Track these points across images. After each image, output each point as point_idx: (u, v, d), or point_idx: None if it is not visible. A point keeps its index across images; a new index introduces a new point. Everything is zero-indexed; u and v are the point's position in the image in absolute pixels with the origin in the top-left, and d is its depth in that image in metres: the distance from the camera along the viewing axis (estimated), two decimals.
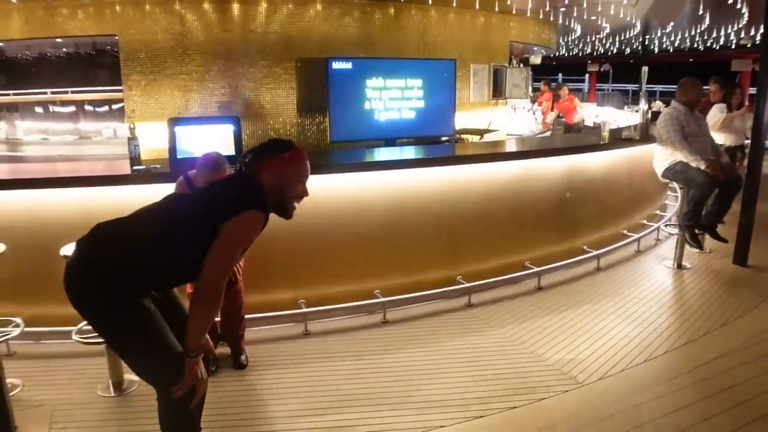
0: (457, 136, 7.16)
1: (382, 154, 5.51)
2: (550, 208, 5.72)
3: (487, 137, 7.27)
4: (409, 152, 5.61)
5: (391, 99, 6.68)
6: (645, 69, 6.80)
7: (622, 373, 3.71)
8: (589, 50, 14.23)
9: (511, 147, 6.15)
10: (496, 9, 7.26)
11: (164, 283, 2.35)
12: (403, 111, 6.76)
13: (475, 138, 7.24)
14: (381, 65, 6.62)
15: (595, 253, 5.71)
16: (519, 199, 5.40)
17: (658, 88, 15.05)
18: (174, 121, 4.21)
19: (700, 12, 7.38)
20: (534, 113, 10.22)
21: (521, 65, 8.87)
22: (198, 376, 2.22)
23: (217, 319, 3.64)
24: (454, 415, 3.20)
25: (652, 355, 3.99)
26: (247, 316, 3.86)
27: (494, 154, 5.41)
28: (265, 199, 2.28)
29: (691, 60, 16.24)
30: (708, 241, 5.97)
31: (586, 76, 19.77)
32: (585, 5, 7.13)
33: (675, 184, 6.22)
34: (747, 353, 4.09)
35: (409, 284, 4.63)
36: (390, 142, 6.51)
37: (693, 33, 10.44)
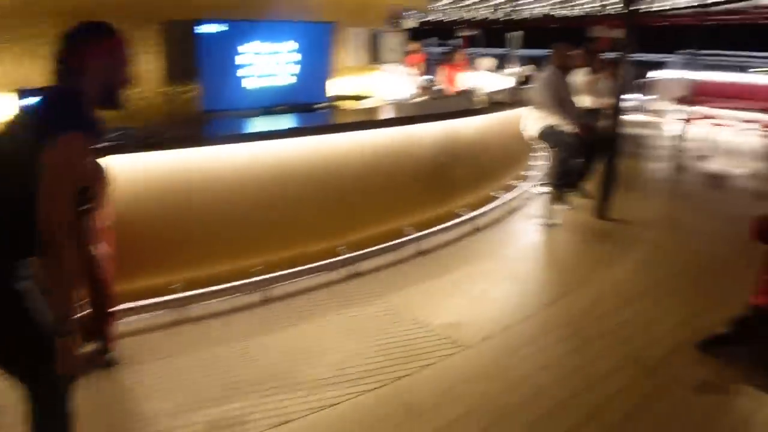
0: (335, 102, 7.02)
1: (258, 123, 5.28)
2: (428, 173, 5.78)
3: (365, 103, 7.19)
4: (286, 121, 5.41)
5: (266, 65, 6.37)
6: (519, 34, 7.01)
7: (502, 332, 3.85)
8: (461, 15, 14.53)
9: (388, 113, 6.12)
10: None
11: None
12: (279, 77, 6.48)
13: (353, 104, 7.15)
14: (254, 29, 6.26)
15: (471, 215, 5.86)
16: (397, 166, 5.40)
17: (526, 52, 15.73)
18: (23, 93, 3.76)
19: None
20: (410, 76, 10.26)
21: (396, 29, 8.85)
22: (73, 361, 1.92)
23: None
24: (346, 390, 3.15)
25: (531, 311, 4.18)
26: (116, 308, 3.55)
27: (371, 121, 5.34)
28: (80, 113, 1.96)
29: (554, 26, 17.08)
30: (574, 197, 6.32)
31: (458, 41, 20.23)
32: None
33: (542, 144, 6.50)
34: (616, 299, 4.41)
35: (292, 258, 4.50)
36: (266, 110, 6.23)
37: (557, 0, 10.95)
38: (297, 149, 4.52)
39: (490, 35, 15.84)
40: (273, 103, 6.37)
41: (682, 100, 11.08)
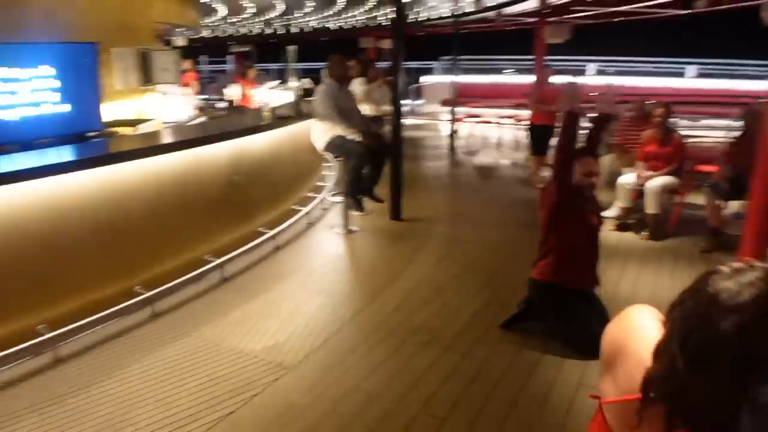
0: (108, 129, 6.43)
1: (16, 161, 4.62)
2: (222, 195, 5.57)
3: (143, 128, 6.71)
4: (52, 156, 4.80)
5: (17, 93, 5.59)
6: (292, 48, 7.04)
7: (323, 345, 3.82)
8: (231, 31, 14.26)
9: (170, 137, 5.77)
10: None
11: None
12: (40, 106, 5.73)
13: (129, 130, 6.62)
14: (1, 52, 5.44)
15: (272, 233, 5.76)
16: (188, 191, 5.12)
17: (302, 66, 15.98)
18: None
19: None
20: (185, 97, 9.82)
21: (167, 47, 8.39)
22: None
23: None
24: None
25: (345, 319, 4.21)
26: None
27: (153, 146, 4.97)
28: None
29: (325, 39, 17.58)
30: (368, 203, 6.54)
31: (230, 57, 19.88)
32: None
33: (332, 155, 6.62)
34: (422, 295, 4.62)
35: (82, 308, 3.98)
36: (26, 144, 5.46)
37: (327, 14, 11.25)
38: (68, 185, 4.03)
39: (265, 50, 15.83)
40: (36, 135, 5.62)
41: (448, 102, 12.09)
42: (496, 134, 12.37)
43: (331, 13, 10.93)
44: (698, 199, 6.31)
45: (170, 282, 4.47)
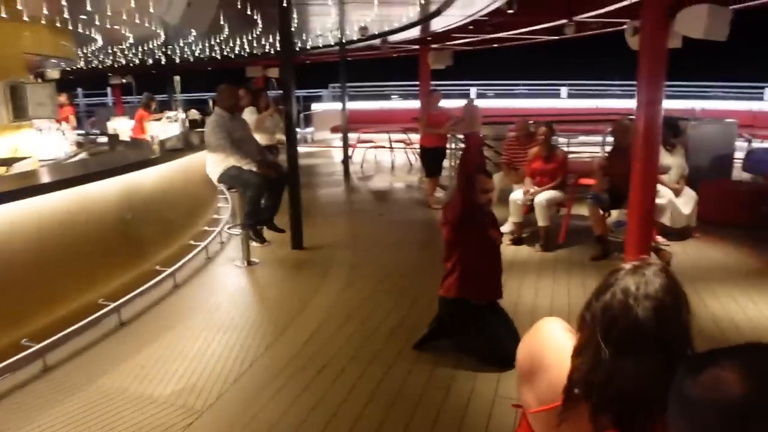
0: None
1: None
2: (114, 234, 5.27)
3: (17, 167, 6.22)
4: None
5: None
6: (177, 78, 6.84)
7: (235, 384, 3.68)
8: (110, 62, 13.62)
9: (49, 175, 5.40)
10: (3, 14, 6.18)
11: None
12: None
13: (2, 170, 6.12)
14: None
15: (170, 270, 5.51)
16: (75, 231, 4.79)
17: (187, 96, 15.54)
18: None
19: (221, 22, 7.80)
20: (63, 132, 9.25)
21: (39, 80, 7.87)
22: None
23: None
24: None
25: (256, 355, 4.08)
26: None
27: (31, 187, 4.60)
28: None
29: (210, 68, 17.22)
30: (268, 233, 6.43)
31: (109, 89, 18.98)
32: (110, 13, 6.68)
33: (227, 187, 6.46)
34: (333, 322, 4.58)
35: None
36: None
37: (212, 43, 11.03)
38: None
39: (147, 81, 15.27)
40: None
41: (339, 129, 12.20)
42: (389, 158, 12.61)
43: (215, 41, 10.75)
44: (583, 210, 6.74)
45: (62, 331, 4.14)
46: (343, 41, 11.43)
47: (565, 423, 1.41)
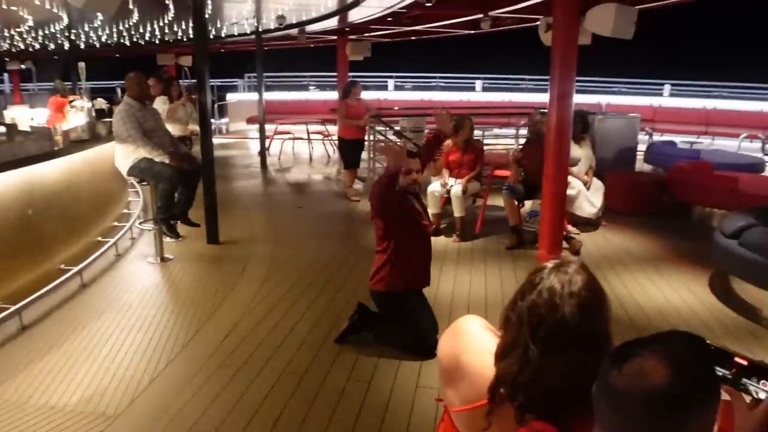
0: None
1: None
2: (13, 231, 4.93)
3: None
4: None
5: None
6: (82, 65, 6.45)
7: (150, 387, 3.53)
8: (7, 46, 12.65)
9: None
10: None
11: None
12: None
13: None
14: None
15: (76, 269, 5.22)
16: None
17: (93, 84, 14.71)
18: None
19: (130, 6, 7.41)
20: None
21: None
22: None
23: None
24: None
25: (171, 355, 3.93)
26: None
27: None
28: None
29: (118, 55, 16.39)
30: (182, 228, 6.22)
31: (6, 75, 17.70)
32: None
33: (138, 180, 6.19)
34: (252, 318, 4.48)
35: None
36: None
37: (121, 28, 10.47)
38: None
39: (49, 68, 14.35)
40: None
41: (255, 120, 11.93)
42: (307, 150, 12.48)
43: (124, 27, 10.22)
44: (498, 201, 6.92)
45: None
46: (260, 30, 11.16)
47: (492, 422, 1.42)
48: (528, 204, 6.78)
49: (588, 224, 6.99)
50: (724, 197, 6.99)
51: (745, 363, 1.11)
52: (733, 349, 1.15)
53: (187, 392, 3.47)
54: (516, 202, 6.44)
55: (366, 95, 16.82)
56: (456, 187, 6.53)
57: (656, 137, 12.62)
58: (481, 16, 7.81)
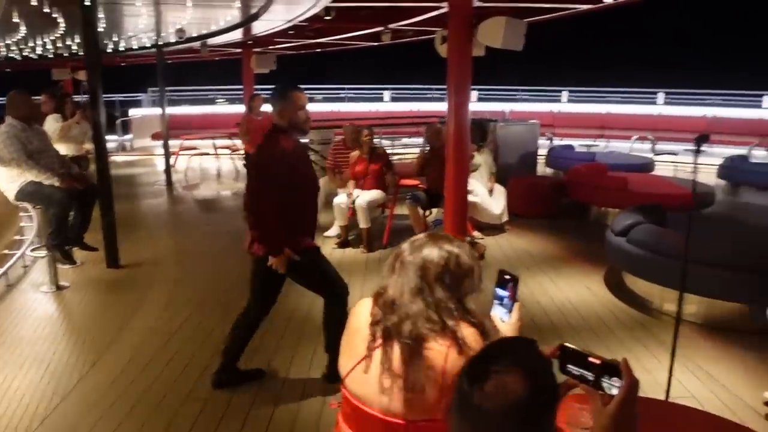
0: None
1: None
2: None
3: None
4: None
5: None
6: None
7: (42, 425, 3.32)
8: None
9: None
10: None
11: None
12: None
13: None
14: None
15: None
16: None
17: None
18: None
19: (16, 20, 6.98)
20: None
21: None
22: None
23: None
24: None
25: (67, 389, 3.73)
26: None
27: None
28: None
29: (8, 70, 15.46)
30: (79, 253, 5.91)
31: None
32: None
33: (29, 206, 5.86)
34: (152, 346, 4.31)
35: None
36: None
37: (8, 42, 9.85)
38: None
39: None
40: None
41: (160, 136, 11.56)
42: (215, 166, 12.21)
43: (12, 40, 9.64)
44: (405, 210, 7.01)
45: None
46: (160, 43, 10.84)
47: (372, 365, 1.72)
48: (435, 212, 6.91)
49: (493, 228, 7.22)
50: (616, 197, 7.41)
51: (598, 362, 1.18)
52: (588, 350, 1.22)
53: (83, 428, 3.30)
54: (421, 211, 6.56)
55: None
56: (360, 198, 6.57)
57: (556, 142, 13.21)
58: (381, 28, 7.92)
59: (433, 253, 1.75)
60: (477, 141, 7.18)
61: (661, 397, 3.38)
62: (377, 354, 1.72)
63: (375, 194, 6.70)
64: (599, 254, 5.88)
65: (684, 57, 25.87)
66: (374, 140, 7.25)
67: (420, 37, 9.58)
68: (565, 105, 17.09)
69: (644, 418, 1.15)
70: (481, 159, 7.12)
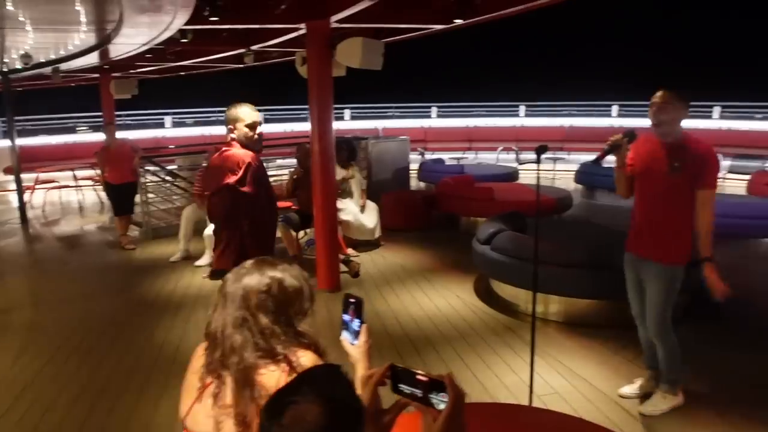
0: None
1: None
2: None
3: None
4: None
5: None
6: None
7: None
8: None
9: None
10: None
11: None
12: None
13: None
14: None
15: None
16: None
17: None
18: None
19: None
20: None
21: None
22: None
23: None
24: None
25: None
26: None
27: None
28: None
29: None
30: None
31: None
32: None
33: None
34: (6, 396, 3.93)
35: None
36: None
37: None
38: None
39: None
40: None
41: (11, 170, 10.66)
42: (77, 198, 11.44)
43: None
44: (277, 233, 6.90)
45: None
46: (5, 70, 10.03)
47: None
48: (309, 232, 6.87)
49: (368, 245, 7.29)
50: (483, 206, 7.73)
51: (425, 379, 1.20)
52: (415, 368, 1.24)
53: None
54: (294, 232, 6.50)
55: (142, 134, 16.10)
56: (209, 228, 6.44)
57: (428, 156, 13.64)
58: (244, 50, 7.82)
59: (253, 280, 1.73)
60: (346, 159, 7.25)
61: (526, 395, 3.53)
62: (210, 390, 1.67)
63: None
64: (469, 263, 6.08)
65: (542, 71, 27.74)
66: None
67: (287, 58, 9.55)
68: (435, 120, 17.72)
69: (506, 424, 1.18)
70: (352, 177, 7.19)
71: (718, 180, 3.38)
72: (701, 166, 3.27)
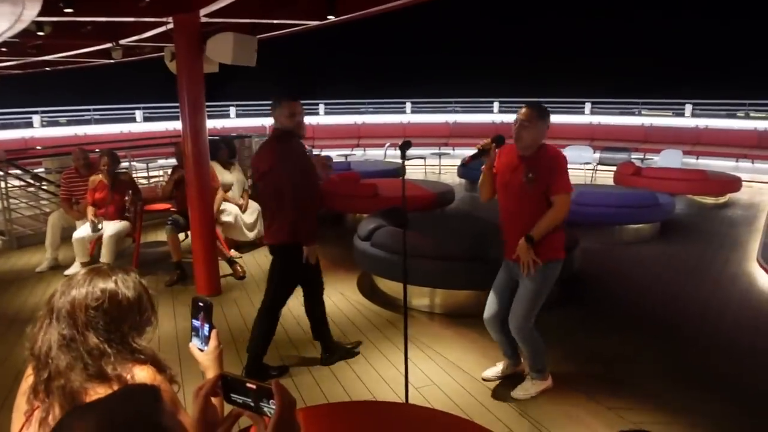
0: None
1: None
2: None
3: None
4: None
5: None
6: None
7: None
8: None
9: None
10: None
11: None
12: None
13: None
14: None
15: None
16: None
17: None
18: None
19: None
20: None
21: None
22: None
23: None
24: None
25: None
26: None
27: None
28: None
29: None
30: None
31: None
32: None
33: None
34: None
35: None
36: None
37: None
38: None
39: None
40: None
41: None
42: None
43: None
44: (154, 237, 6.60)
45: None
46: None
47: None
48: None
49: (252, 246, 7.12)
50: (367, 203, 7.77)
51: (254, 387, 1.15)
52: (243, 376, 1.19)
53: None
54: (183, 235, 6.24)
55: (8, 134, 14.85)
56: (108, 227, 6.08)
57: (316, 153, 13.55)
58: (111, 45, 7.37)
59: (81, 293, 1.60)
60: (226, 159, 7.05)
61: (403, 388, 3.57)
62: (37, 415, 1.53)
63: (122, 224, 6.23)
64: (353, 260, 6.08)
65: (426, 68, 28.43)
66: (121, 165, 6.75)
67: (157, 54, 9.13)
68: (323, 117, 17.64)
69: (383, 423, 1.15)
70: (233, 177, 6.99)
71: (571, 181, 3.55)
72: (551, 175, 3.44)
